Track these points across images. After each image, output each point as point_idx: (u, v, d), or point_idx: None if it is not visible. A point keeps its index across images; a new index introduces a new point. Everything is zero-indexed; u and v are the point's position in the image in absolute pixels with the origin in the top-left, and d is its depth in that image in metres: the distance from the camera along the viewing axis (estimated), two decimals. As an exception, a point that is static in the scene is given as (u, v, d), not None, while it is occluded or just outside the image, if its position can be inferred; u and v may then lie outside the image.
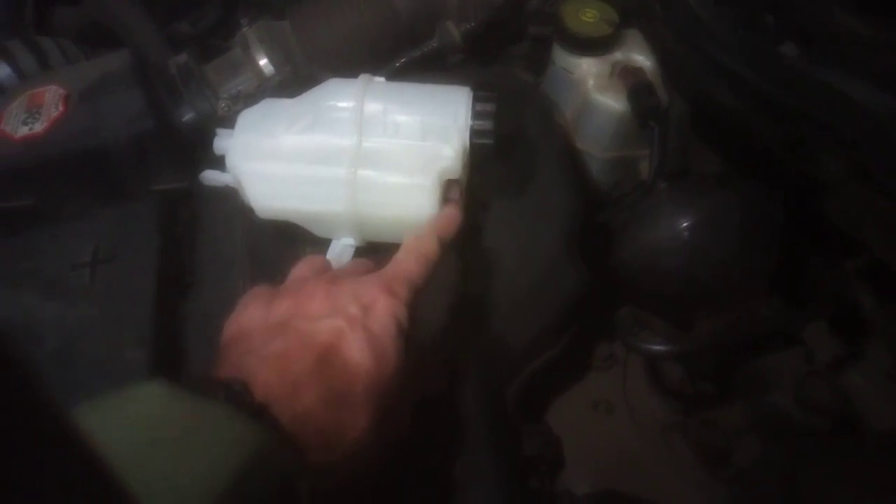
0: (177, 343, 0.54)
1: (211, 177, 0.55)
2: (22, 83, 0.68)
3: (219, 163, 0.54)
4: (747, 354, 0.59)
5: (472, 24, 0.70)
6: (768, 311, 0.58)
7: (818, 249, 0.62)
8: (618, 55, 0.65)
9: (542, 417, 0.61)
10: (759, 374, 0.58)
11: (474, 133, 0.51)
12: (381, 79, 0.54)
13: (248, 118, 0.53)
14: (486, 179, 0.56)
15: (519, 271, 0.57)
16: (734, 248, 0.55)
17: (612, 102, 0.64)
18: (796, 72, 0.53)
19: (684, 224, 0.55)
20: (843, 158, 0.58)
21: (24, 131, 0.62)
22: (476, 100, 0.52)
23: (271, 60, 0.69)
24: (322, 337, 0.38)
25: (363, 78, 0.53)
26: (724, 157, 0.66)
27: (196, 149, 0.63)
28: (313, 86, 0.55)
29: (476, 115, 0.51)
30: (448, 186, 0.52)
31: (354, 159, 0.51)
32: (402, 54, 0.70)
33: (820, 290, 0.60)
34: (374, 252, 0.55)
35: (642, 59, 0.65)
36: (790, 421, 0.56)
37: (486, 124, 0.51)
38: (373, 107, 0.52)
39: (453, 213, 0.49)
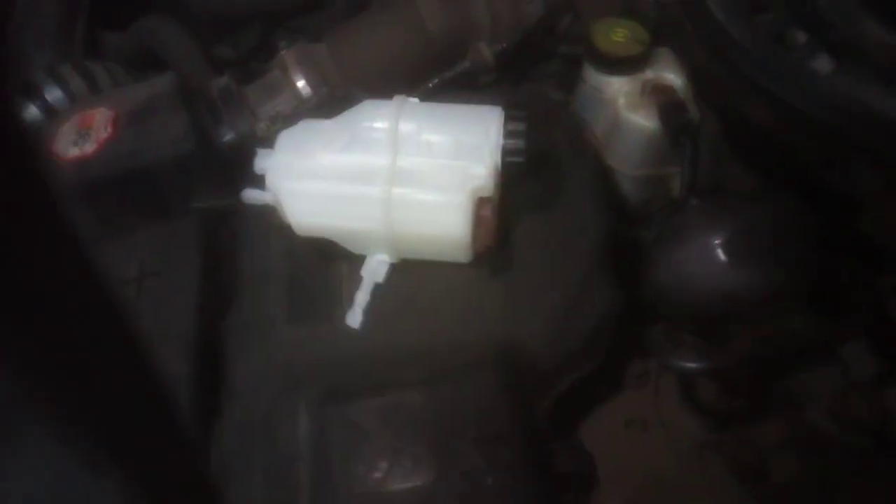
0: (217, 356, 0.56)
1: (251, 195, 0.57)
2: (72, 106, 0.72)
3: (259, 182, 0.56)
4: (783, 370, 0.58)
5: (504, 45, 0.71)
6: (804, 327, 0.57)
7: (855, 264, 0.61)
8: (648, 73, 0.66)
9: (575, 435, 0.61)
10: (795, 391, 0.57)
11: (506, 152, 0.52)
12: (415, 100, 0.56)
13: (288, 139, 0.55)
14: (517, 197, 0.57)
15: (550, 289, 0.57)
16: (767, 265, 0.54)
17: (642, 121, 0.64)
18: (829, 88, 0.53)
19: (716, 241, 0.54)
20: (879, 173, 0.57)
21: (74, 152, 0.64)
22: (507, 119, 0.53)
23: (308, 82, 0.71)
24: None
25: (398, 99, 0.55)
26: (757, 172, 0.66)
27: (236, 167, 0.65)
28: (349, 106, 0.57)
29: (507, 134, 0.52)
30: (480, 204, 0.53)
31: (389, 178, 0.52)
32: (435, 75, 0.72)
33: (857, 304, 0.59)
34: (409, 269, 0.57)
35: (673, 76, 0.66)
36: (828, 438, 0.55)
37: (518, 143, 0.52)
38: (407, 127, 0.53)
39: None
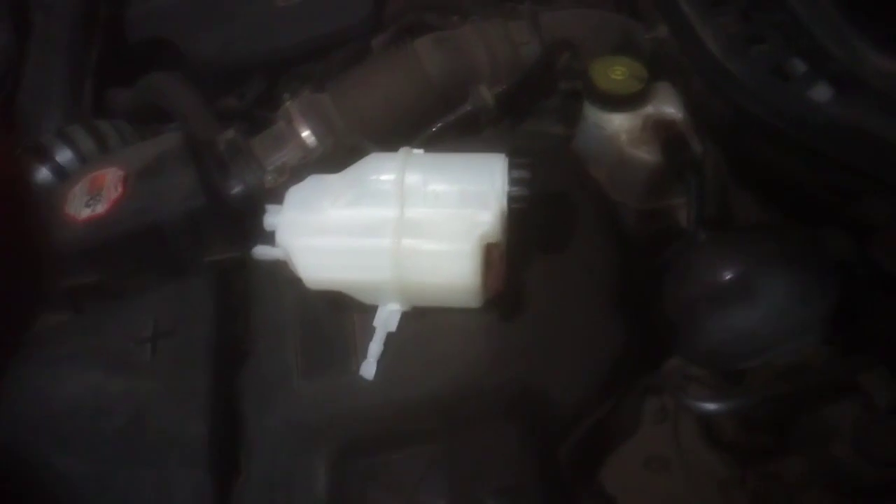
0: (234, 412, 0.56)
1: (262, 252, 0.57)
2: (83, 167, 0.73)
3: (269, 237, 0.56)
4: (803, 404, 0.58)
5: (504, 86, 0.72)
6: (823, 359, 0.56)
7: (871, 293, 0.60)
8: (649, 109, 0.66)
9: (595, 476, 0.60)
10: (817, 424, 0.57)
11: (511, 199, 0.53)
12: (420, 151, 0.56)
13: (296, 195, 0.56)
14: (525, 240, 0.58)
15: (563, 330, 0.57)
16: (780, 298, 0.54)
17: (646, 156, 0.65)
18: (829, 118, 0.53)
19: (727, 276, 0.54)
20: (885, 200, 0.57)
21: (86, 213, 0.65)
22: (511, 166, 0.53)
23: (314, 132, 0.72)
24: None
25: (403, 151, 0.56)
26: (765, 204, 0.66)
27: (246, 220, 0.66)
28: (356, 156, 0.58)
29: (512, 181, 0.53)
30: (489, 250, 0.53)
31: (398, 229, 0.53)
32: (437, 119, 0.73)
33: (875, 334, 0.59)
34: (421, 316, 0.57)
35: (674, 110, 0.66)
36: (853, 473, 0.54)
37: (523, 189, 0.53)
38: (413, 178, 0.54)
39: None
